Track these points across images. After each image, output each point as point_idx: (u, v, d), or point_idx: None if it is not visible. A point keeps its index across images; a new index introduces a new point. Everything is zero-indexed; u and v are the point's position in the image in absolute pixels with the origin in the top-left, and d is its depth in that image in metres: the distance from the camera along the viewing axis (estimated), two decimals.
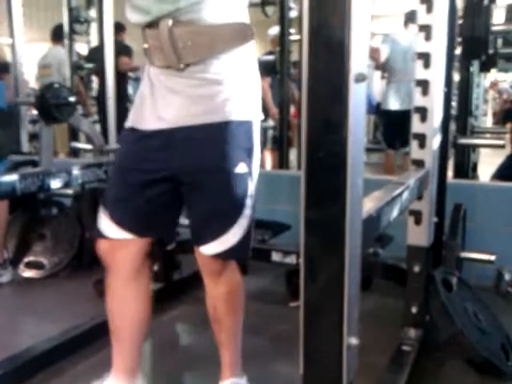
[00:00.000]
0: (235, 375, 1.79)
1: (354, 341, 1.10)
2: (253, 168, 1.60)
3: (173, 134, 1.54)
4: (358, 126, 1.05)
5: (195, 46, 1.49)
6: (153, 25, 1.52)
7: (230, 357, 1.78)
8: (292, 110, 4.69)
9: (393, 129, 4.82)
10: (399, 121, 4.61)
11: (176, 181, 1.60)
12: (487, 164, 4.83)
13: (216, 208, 1.57)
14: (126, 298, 1.71)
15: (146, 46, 1.58)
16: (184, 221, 1.83)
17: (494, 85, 10.07)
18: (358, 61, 1.01)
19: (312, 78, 1.01)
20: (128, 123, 1.64)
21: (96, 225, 1.67)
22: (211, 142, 1.53)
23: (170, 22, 1.48)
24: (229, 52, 1.53)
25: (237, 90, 1.54)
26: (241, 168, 1.55)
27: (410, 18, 4.65)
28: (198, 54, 1.50)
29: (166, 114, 1.54)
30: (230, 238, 1.58)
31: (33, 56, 5.68)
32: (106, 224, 1.64)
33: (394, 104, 4.76)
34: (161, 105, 1.55)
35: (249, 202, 1.59)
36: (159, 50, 1.53)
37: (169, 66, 1.53)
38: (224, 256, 1.61)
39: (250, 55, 1.59)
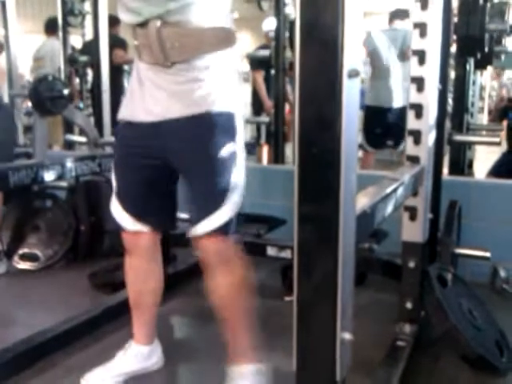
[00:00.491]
0: (247, 361, 1.82)
1: (347, 336, 1.10)
2: (236, 154, 1.68)
3: (161, 125, 1.67)
4: (352, 121, 1.04)
5: (182, 47, 1.60)
6: (143, 24, 1.62)
7: (241, 343, 1.81)
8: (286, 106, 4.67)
9: (371, 126, 4.63)
10: (378, 117, 4.53)
11: (169, 167, 1.73)
12: (483, 161, 4.85)
13: (202, 191, 1.69)
14: (147, 274, 1.94)
15: (136, 42, 1.69)
16: (179, 214, 1.95)
17: (497, 75, 9.99)
18: (351, 56, 1.00)
19: (305, 73, 1.01)
20: (120, 115, 1.77)
21: (113, 214, 1.84)
22: (195, 131, 1.65)
23: (159, 22, 1.59)
24: (212, 53, 1.63)
25: (217, 85, 1.64)
26: (224, 152, 1.65)
27: (395, 15, 4.55)
28: (184, 55, 1.61)
29: (153, 108, 1.66)
30: (218, 217, 1.67)
31: (30, 48, 5.66)
32: (122, 216, 1.82)
33: (372, 100, 4.62)
34: (149, 99, 1.67)
35: (233, 184, 1.67)
36: (148, 48, 1.63)
37: (156, 63, 1.64)
38: (214, 233, 1.69)
39: (231, 55, 1.68)
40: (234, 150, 1.67)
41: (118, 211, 1.82)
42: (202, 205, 1.70)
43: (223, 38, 1.65)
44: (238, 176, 1.69)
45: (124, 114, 1.76)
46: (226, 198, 1.66)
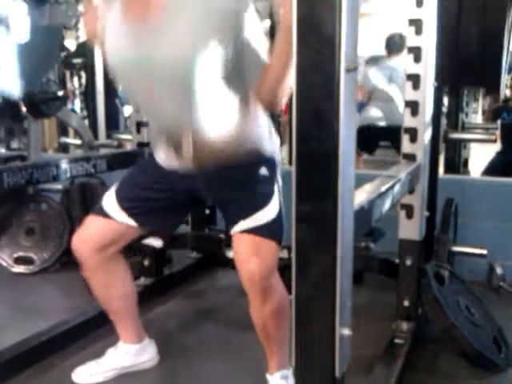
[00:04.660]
0: (283, 367, 1.81)
1: (346, 331, 1.09)
2: (276, 173, 1.68)
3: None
4: (350, 115, 1.03)
5: (215, 158, 1.59)
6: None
7: (279, 356, 1.79)
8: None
9: (367, 136, 4.32)
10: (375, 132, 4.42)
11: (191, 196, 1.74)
12: (478, 160, 4.85)
13: (244, 203, 1.65)
14: (108, 281, 1.84)
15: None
16: None
17: None
18: (349, 50, 1.00)
19: (302, 68, 1.00)
20: (158, 160, 1.74)
21: (99, 204, 1.77)
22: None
23: (190, 138, 1.57)
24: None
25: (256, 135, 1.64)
26: (262, 170, 1.63)
27: (391, 43, 4.33)
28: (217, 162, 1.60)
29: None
30: (260, 217, 1.62)
31: None
32: (110, 202, 1.74)
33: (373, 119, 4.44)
34: None
35: (276, 197, 1.65)
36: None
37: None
38: (256, 232, 1.62)
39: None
40: (274, 170, 1.67)
41: (109, 197, 1.76)
42: (239, 211, 1.65)
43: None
44: (279, 190, 1.68)
45: (160, 160, 1.73)
46: (266, 204, 1.63)
